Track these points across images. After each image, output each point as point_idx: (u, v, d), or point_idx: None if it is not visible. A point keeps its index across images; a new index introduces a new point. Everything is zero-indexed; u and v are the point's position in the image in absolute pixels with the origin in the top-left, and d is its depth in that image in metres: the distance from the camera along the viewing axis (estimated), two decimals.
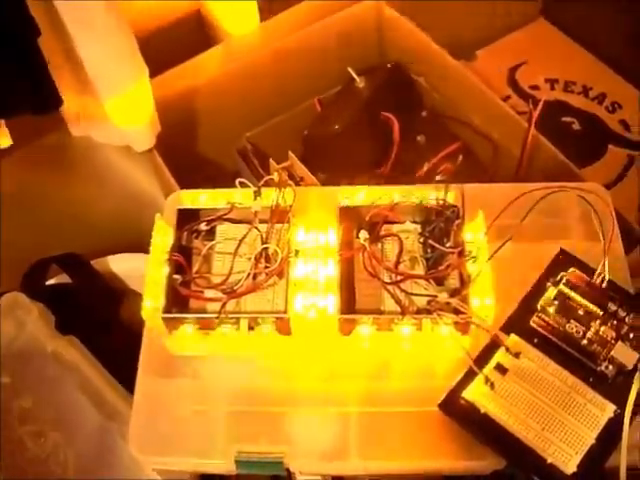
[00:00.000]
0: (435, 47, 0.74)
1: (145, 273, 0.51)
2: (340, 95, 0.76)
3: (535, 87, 0.86)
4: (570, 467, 0.45)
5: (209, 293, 0.50)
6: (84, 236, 0.71)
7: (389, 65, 0.76)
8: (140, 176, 0.71)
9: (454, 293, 0.49)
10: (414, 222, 0.53)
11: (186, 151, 0.74)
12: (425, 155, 0.69)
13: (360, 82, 0.74)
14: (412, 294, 0.49)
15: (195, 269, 0.52)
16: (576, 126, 0.83)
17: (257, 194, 0.52)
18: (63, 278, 0.69)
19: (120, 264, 0.70)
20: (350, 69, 0.74)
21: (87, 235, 0.72)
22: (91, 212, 0.73)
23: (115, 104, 0.61)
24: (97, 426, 0.60)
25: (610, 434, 0.46)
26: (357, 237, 0.51)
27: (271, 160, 0.66)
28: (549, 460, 0.45)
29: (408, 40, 0.76)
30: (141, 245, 0.63)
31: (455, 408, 0.48)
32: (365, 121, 0.72)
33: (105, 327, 0.66)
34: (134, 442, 0.50)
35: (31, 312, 0.62)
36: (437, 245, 0.50)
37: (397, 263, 0.50)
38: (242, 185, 0.53)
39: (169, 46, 0.75)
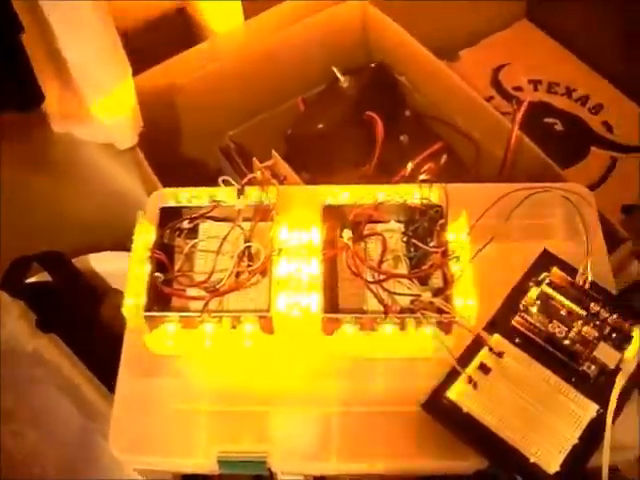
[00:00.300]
0: (419, 47, 0.74)
1: (127, 271, 0.51)
2: (324, 94, 0.76)
3: (518, 88, 0.86)
4: (553, 466, 0.45)
5: (191, 292, 0.50)
6: (66, 234, 0.71)
7: (373, 65, 0.76)
8: (123, 174, 0.71)
9: (437, 293, 0.49)
10: (398, 221, 0.53)
11: (169, 149, 0.74)
12: (408, 155, 0.69)
13: (344, 82, 0.74)
14: (395, 293, 0.49)
15: (177, 267, 0.52)
16: (559, 127, 0.83)
17: (240, 192, 0.52)
18: (44, 277, 0.68)
19: (102, 263, 0.70)
20: (334, 68, 0.74)
21: (69, 233, 0.71)
22: (73, 210, 0.72)
23: (98, 102, 0.60)
24: (77, 426, 0.60)
25: (593, 433, 0.46)
26: (341, 236, 0.51)
27: (254, 159, 0.65)
28: (532, 459, 0.45)
29: (392, 40, 0.76)
30: (123, 244, 0.62)
31: (438, 408, 0.48)
32: (349, 120, 0.71)
33: (86, 326, 0.66)
34: (115, 442, 0.49)
35: (11, 311, 0.62)
36: (420, 244, 0.50)
37: (380, 262, 0.50)
38: (225, 183, 0.53)
39: (153, 44, 0.74)
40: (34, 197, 0.72)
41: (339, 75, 0.74)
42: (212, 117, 0.75)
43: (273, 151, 0.66)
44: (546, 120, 0.83)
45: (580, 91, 0.86)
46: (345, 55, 0.78)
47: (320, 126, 0.71)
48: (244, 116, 0.77)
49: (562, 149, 0.76)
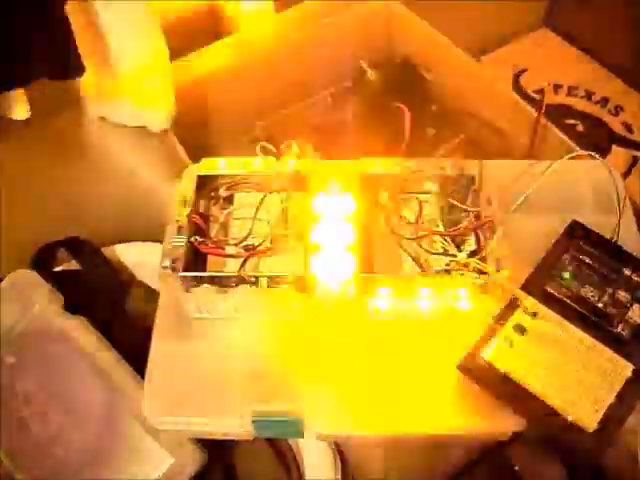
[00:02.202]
0: (444, 41, 0.75)
1: (154, 262, 0.50)
2: (352, 87, 0.77)
3: (539, 91, 0.88)
4: (591, 425, 0.45)
5: (230, 250, 0.50)
6: (91, 222, 0.70)
7: (399, 60, 0.77)
8: (152, 163, 0.71)
9: (472, 255, 0.49)
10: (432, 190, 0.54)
11: (197, 139, 0.74)
12: (434, 147, 0.70)
13: (371, 75, 0.75)
14: (432, 253, 0.49)
15: (213, 235, 0.52)
16: (580, 128, 0.84)
17: (279, 157, 0.53)
18: (70, 266, 0.68)
19: (128, 253, 0.70)
20: (362, 62, 0.76)
21: (94, 221, 0.71)
22: (99, 198, 0.72)
23: (134, 79, 0.61)
24: (103, 407, 0.59)
25: (629, 393, 0.46)
26: (377, 202, 0.52)
27: (283, 146, 0.66)
28: (570, 418, 0.45)
29: (417, 35, 0.78)
30: (151, 234, 0.63)
31: (474, 368, 0.48)
32: (376, 112, 0.72)
33: (112, 315, 0.66)
34: (149, 403, 0.49)
35: (41, 290, 0.62)
36: (457, 203, 0.51)
37: (417, 221, 0.51)
38: (263, 150, 0.53)
39: (183, 45, 0.75)
40: (59, 183, 0.72)
41: (366, 68, 0.76)
42: (241, 108, 0.76)
43: (304, 141, 0.66)
44: (567, 121, 0.85)
45: (599, 94, 0.88)
46: (371, 51, 0.80)
47: (348, 114, 0.72)
48: (273, 108, 0.78)
49: (584, 149, 0.77)
